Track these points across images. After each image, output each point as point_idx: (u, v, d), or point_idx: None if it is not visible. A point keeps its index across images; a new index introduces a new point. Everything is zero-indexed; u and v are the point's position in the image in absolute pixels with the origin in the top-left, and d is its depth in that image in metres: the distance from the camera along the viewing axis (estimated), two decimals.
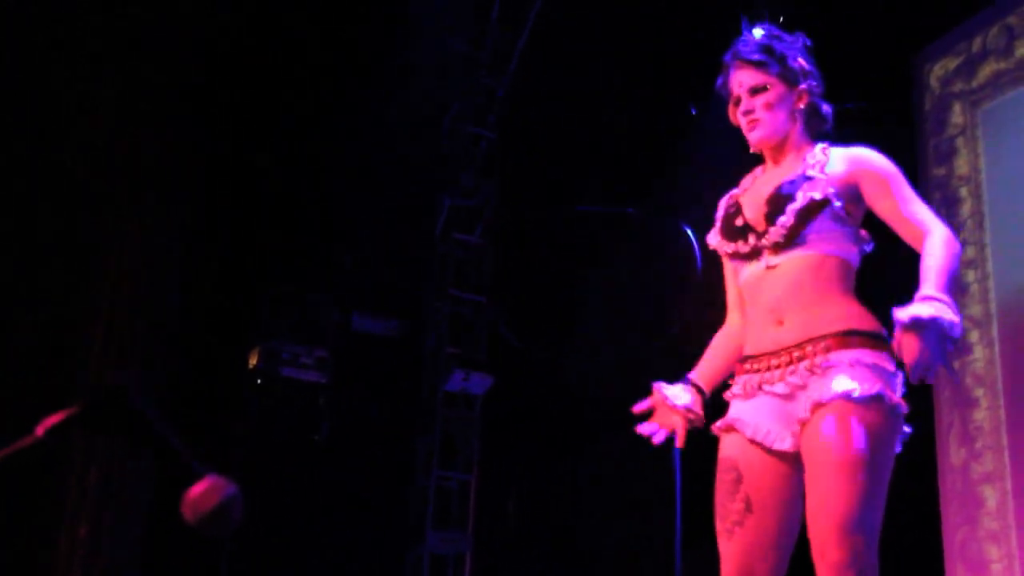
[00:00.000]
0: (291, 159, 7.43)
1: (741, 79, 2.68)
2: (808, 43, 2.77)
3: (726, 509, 2.47)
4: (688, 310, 6.44)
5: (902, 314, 2.24)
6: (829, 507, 2.27)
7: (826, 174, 2.54)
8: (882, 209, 2.54)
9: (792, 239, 2.50)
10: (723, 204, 2.79)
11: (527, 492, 7.84)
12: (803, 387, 2.42)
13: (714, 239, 2.70)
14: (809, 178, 2.54)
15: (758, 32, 2.72)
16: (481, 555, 7.38)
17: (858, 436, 2.30)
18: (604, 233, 7.39)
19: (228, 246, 7.18)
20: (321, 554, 7.15)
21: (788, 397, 2.45)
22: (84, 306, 6.54)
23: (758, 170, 2.78)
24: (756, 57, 2.65)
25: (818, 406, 2.37)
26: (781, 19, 2.86)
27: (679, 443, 2.61)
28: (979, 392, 5.57)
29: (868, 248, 2.63)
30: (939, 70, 6.16)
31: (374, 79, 7.42)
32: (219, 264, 7.13)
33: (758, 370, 2.52)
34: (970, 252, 5.76)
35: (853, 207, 2.57)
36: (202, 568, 6.50)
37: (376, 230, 7.58)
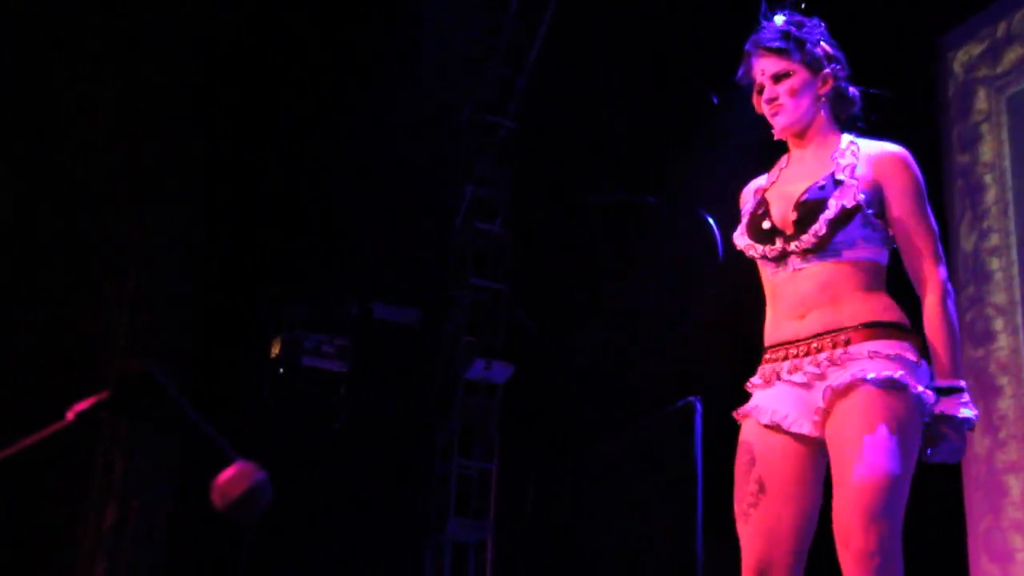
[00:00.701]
0: (311, 148, 7.44)
1: (764, 67, 2.66)
2: (826, 28, 2.77)
3: (742, 492, 2.49)
4: (704, 304, 6.41)
5: (938, 410, 2.39)
6: (853, 494, 2.27)
7: (856, 178, 2.51)
8: (895, 222, 2.54)
9: (823, 247, 2.50)
10: (749, 198, 2.76)
11: (547, 479, 7.85)
12: (822, 376, 2.43)
13: (741, 240, 2.67)
14: (839, 183, 2.51)
15: (779, 19, 2.70)
16: (502, 542, 7.40)
17: (879, 420, 2.31)
18: (625, 222, 7.38)
19: (247, 237, 7.20)
20: (342, 541, 7.18)
21: (806, 386, 2.46)
22: (102, 302, 6.58)
23: (783, 160, 2.75)
24: (778, 44, 2.64)
25: (836, 393, 2.38)
26: (802, 5, 2.81)
27: None
28: (1003, 380, 5.53)
29: (896, 246, 2.63)
30: (963, 56, 6.10)
31: (398, 68, 7.42)
32: (239, 255, 7.15)
33: (777, 359, 2.53)
34: (995, 239, 5.71)
35: (882, 208, 2.57)
36: (225, 554, 6.54)
37: (397, 219, 7.59)
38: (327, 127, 7.45)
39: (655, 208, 6.40)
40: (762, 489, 2.44)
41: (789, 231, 2.53)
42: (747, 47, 2.71)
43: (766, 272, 2.64)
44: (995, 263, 5.70)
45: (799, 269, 2.53)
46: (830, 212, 2.47)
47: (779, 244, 2.55)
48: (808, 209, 2.51)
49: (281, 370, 7.25)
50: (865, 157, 2.56)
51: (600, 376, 7.52)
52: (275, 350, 7.26)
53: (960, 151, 6.02)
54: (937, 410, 2.38)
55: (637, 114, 7.24)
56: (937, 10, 6.13)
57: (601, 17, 7.30)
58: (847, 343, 2.42)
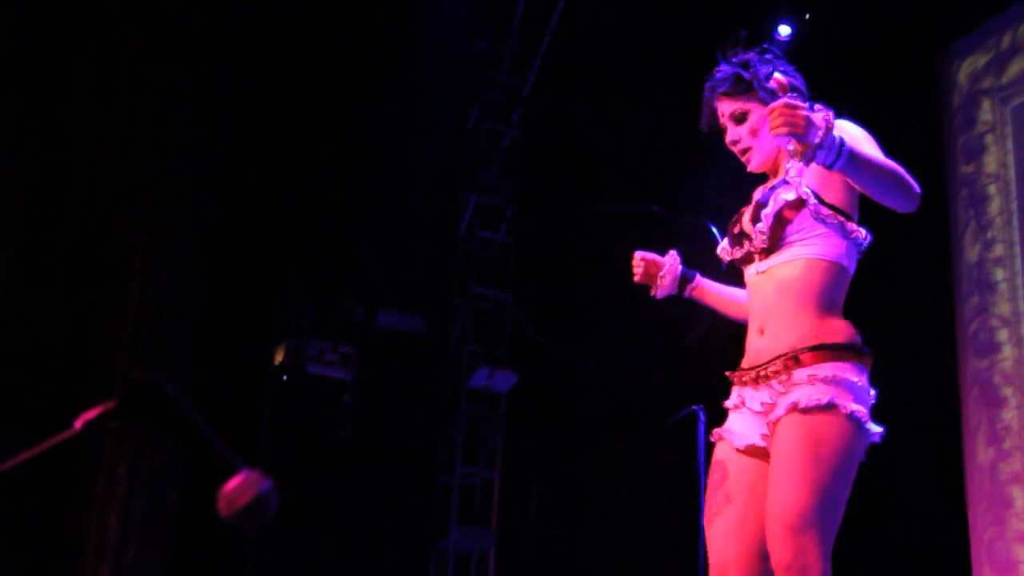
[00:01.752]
0: (316, 158, 7.46)
1: (723, 110, 2.78)
2: (778, 57, 2.82)
3: (711, 503, 2.67)
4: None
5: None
6: (774, 510, 2.42)
7: (801, 175, 2.61)
8: None
9: (774, 242, 2.62)
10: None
11: (550, 489, 7.85)
12: (773, 405, 2.57)
13: (720, 246, 2.84)
14: (785, 182, 2.63)
15: (730, 62, 2.79)
16: (504, 551, 7.40)
17: (804, 443, 2.44)
18: (628, 231, 7.38)
19: (252, 245, 7.21)
20: (346, 550, 7.18)
21: (763, 414, 2.62)
22: (107, 308, 6.59)
23: (766, 183, 2.85)
24: (729, 88, 2.75)
25: (774, 425, 2.53)
26: (762, 44, 2.85)
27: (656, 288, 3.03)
28: (1007, 391, 5.52)
29: (864, 241, 2.67)
30: (968, 66, 6.10)
31: (398, 78, 7.44)
32: (243, 262, 7.16)
33: (743, 383, 2.69)
34: (998, 250, 5.71)
35: (840, 194, 2.62)
36: (227, 561, 6.54)
37: (400, 227, 7.60)
38: (333, 136, 7.47)
39: (660, 217, 6.40)
40: (728, 500, 2.63)
41: (751, 234, 2.68)
42: (706, 94, 2.81)
43: (746, 279, 2.77)
44: (999, 273, 5.70)
45: (762, 271, 2.66)
46: (772, 208, 2.61)
47: (746, 246, 2.70)
48: (758, 209, 2.66)
49: (285, 377, 7.26)
50: None
51: (603, 385, 7.53)
52: (279, 357, 7.27)
53: (964, 161, 6.02)
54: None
55: (642, 122, 7.25)
56: (942, 21, 6.14)
57: (605, 25, 7.31)
58: (794, 367, 2.54)
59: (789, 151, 2.34)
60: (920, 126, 6.21)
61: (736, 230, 2.74)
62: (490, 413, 7.58)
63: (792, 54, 6.71)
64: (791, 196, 2.59)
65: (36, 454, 1.37)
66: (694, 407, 5.38)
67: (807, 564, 2.34)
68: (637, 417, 6.94)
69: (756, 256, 2.67)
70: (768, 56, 2.80)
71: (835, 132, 2.33)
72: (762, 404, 2.60)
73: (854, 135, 2.54)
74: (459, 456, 7.44)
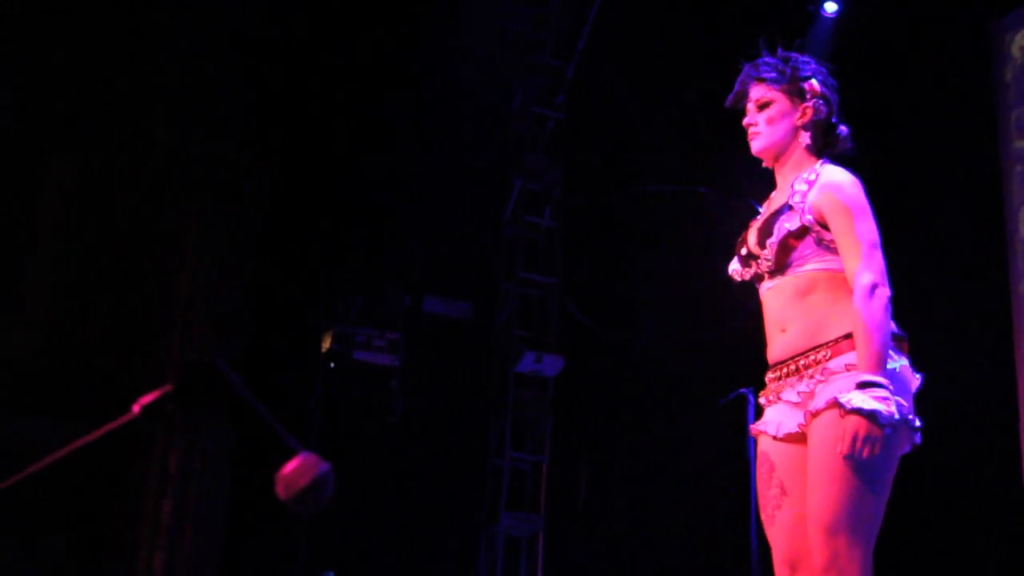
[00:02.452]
0: (362, 145, 7.47)
1: (752, 94, 2.88)
2: (824, 71, 2.91)
3: (766, 498, 2.70)
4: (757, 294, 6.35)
5: (844, 399, 2.44)
6: (812, 512, 2.47)
7: (804, 202, 2.70)
8: (835, 238, 2.68)
9: (780, 266, 2.72)
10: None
11: (599, 473, 7.83)
12: (811, 395, 2.62)
13: (731, 266, 2.91)
14: (790, 207, 2.72)
15: (773, 53, 2.91)
16: (554, 536, 7.39)
17: (832, 448, 2.46)
18: (675, 213, 7.34)
19: (300, 233, 7.25)
20: (396, 536, 7.22)
21: (800, 405, 2.66)
22: (158, 299, 6.66)
23: (773, 193, 2.94)
24: (765, 74, 2.86)
25: (813, 415, 2.57)
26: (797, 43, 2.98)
27: None
28: None
29: None
30: (1020, 39, 5.98)
31: (442, 64, 7.43)
32: (291, 251, 7.20)
33: (777, 378, 2.75)
34: None
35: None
36: (280, 547, 6.60)
37: (446, 214, 7.60)
38: (378, 124, 7.48)
39: (706, 197, 6.35)
40: (783, 492, 2.65)
41: (758, 254, 2.78)
42: (742, 75, 2.91)
43: (760, 291, 2.86)
44: None
45: (772, 287, 2.76)
46: (776, 236, 2.71)
47: (753, 267, 2.81)
48: (763, 235, 2.76)
49: (333, 365, 7.29)
50: (818, 184, 2.74)
51: (652, 368, 7.49)
52: (326, 344, 7.30)
53: (1018, 136, 5.92)
54: (849, 404, 2.43)
55: (686, 103, 7.19)
56: None
57: (647, 5, 7.25)
58: (827, 358, 2.60)
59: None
60: (973, 100, 6.10)
61: (744, 251, 2.84)
62: (538, 398, 7.57)
63: (840, 29, 6.63)
64: (794, 225, 2.69)
65: (95, 439, 1.38)
66: (743, 389, 5.34)
67: (843, 566, 2.38)
68: (686, 399, 6.91)
69: (765, 276, 2.78)
70: (812, 63, 2.90)
71: (871, 385, 2.44)
72: (799, 394, 2.65)
73: (845, 204, 2.66)
74: (508, 441, 7.44)
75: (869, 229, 2.65)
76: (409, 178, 7.57)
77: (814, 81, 2.84)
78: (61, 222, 6.79)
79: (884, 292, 2.56)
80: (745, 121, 2.88)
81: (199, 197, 6.67)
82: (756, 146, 2.86)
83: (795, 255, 2.69)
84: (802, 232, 2.69)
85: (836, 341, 2.59)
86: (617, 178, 7.78)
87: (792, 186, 2.77)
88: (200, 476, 6.15)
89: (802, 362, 2.64)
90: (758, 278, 2.81)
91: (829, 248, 2.68)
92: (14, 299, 6.67)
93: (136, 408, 1.39)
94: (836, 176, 2.74)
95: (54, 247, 6.78)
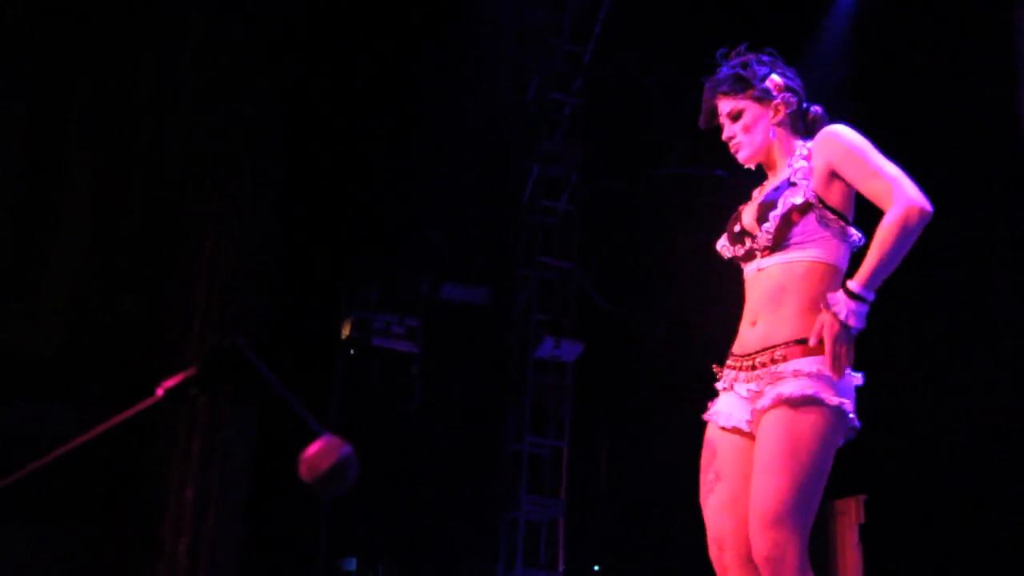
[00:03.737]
0: (381, 133, 7.48)
1: (721, 108, 2.93)
2: (777, 60, 2.97)
3: (703, 481, 2.82)
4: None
5: (830, 299, 2.56)
6: (753, 503, 2.58)
7: (808, 178, 2.74)
8: (853, 182, 2.71)
9: (778, 242, 2.73)
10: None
11: (619, 457, 7.84)
12: (759, 394, 2.69)
13: (720, 243, 2.95)
14: (792, 184, 2.75)
15: (729, 63, 2.94)
16: (574, 520, 7.41)
17: (784, 439, 2.57)
18: (693, 196, 7.31)
19: (318, 221, 7.26)
20: (417, 522, 7.25)
21: (749, 399, 2.74)
22: (179, 286, 6.70)
23: (765, 182, 2.98)
24: (727, 87, 2.90)
25: (760, 413, 2.66)
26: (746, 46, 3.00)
27: None
28: None
29: (859, 242, 2.77)
30: None
31: (460, 50, 7.42)
32: (311, 238, 7.22)
33: (733, 367, 2.82)
34: None
35: (841, 198, 2.74)
36: (302, 532, 6.64)
37: (463, 199, 7.60)
38: (396, 112, 7.48)
39: (723, 180, 6.32)
40: (718, 477, 2.77)
41: (754, 232, 2.79)
42: (705, 94, 2.96)
43: (745, 274, 2.89)
44: None
45: (762, 268, 2.78)
46: (780, 209, 2.72)
47: (748, 243, 2.81)
48: (764, 209, 2.77)
49: (352, 351, 7.32)
50: (812, 152, 2.78)
51: (671, 352, 7.48)
52: (346, 331, 7.32)
53: None
54: (831, 303, 2.55)
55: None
56: None
57: None
58: (780, 359, 2.67)
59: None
60: (998, 81, 6.05)
61: (736, 228, 2.86)
62: (557, 383, 7.58)
63: (863, 11, 6.59)
64: (799, 200, 2.71)
65: (120, 422, 1.39)
66: None
67: (783, 554, 2.51)
68: (706, 383, 6.89)
69: (758, 253, 2.79)
70: (766, 59, 2.93)
71: (856, 295, 2.54)
72: (748, 391, 2.73)
73: (852, 145, 2.69)
74: (526, 426, 7.46)
75: (884, 160, 2.68)
76: (427, 165, 7.57)
77: (775, 76, 2.89)
78: (82, 212, 6.83)
79: (927, 210, 2.58)
80: (724, 136, 2.93)
81: (219, 186, 6.69)
82: (742, 156, 2.91)
83: (795, 231, 2.71)
84: (806, 208, 2.71)
85: (789, 344, 2.66)
86: (635, 162, 7.76)
87: (789, 164, 2.81)
88: (222, 462, 6.18)
89: (758, 359, 2.72)
90: (748, 256, 2.82)
91: (829, 227, 2.71)
92: (35, 287, 6.72)
93: (160, 391, 1.40)
94: (830, 129, 2.78)
95: (75, 237, 6.82)
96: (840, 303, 2.53)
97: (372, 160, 7.50)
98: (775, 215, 2.71)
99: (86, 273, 6.69)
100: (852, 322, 2.53)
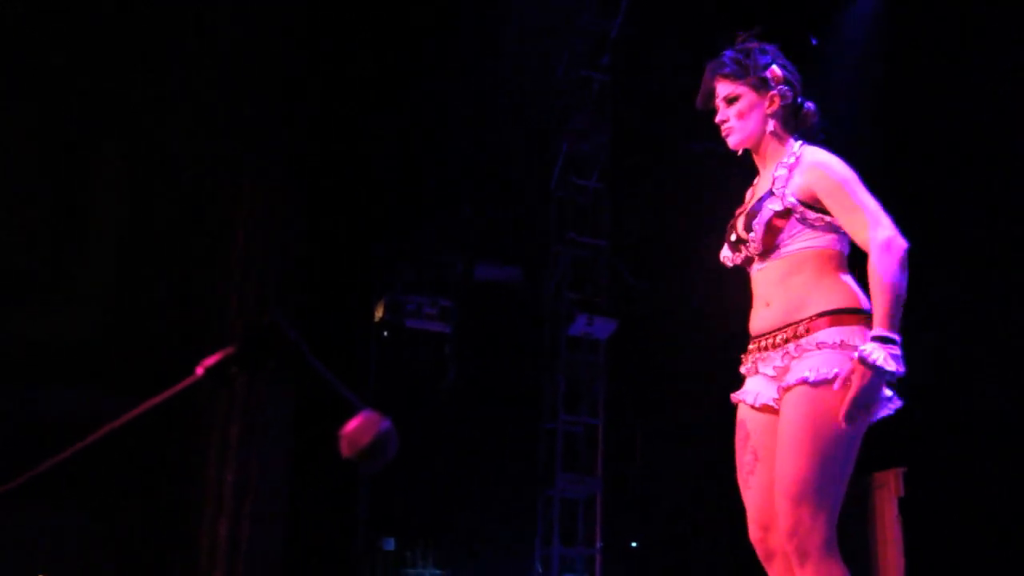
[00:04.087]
0: (410, 112, 7.47)
1: (719, 91, 2.97)
2: (778, 53, 3.00)
3: (741, 462, 2.84)
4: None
5: (863, 352, 2.52)
6: (779, 481, 2.61)
7: (786, 187, 2.79)
8: (834, 215, 2.75)
9: (768, 248, 2.80)
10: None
11: (653, 433, 7.83)
12: (785, 370, 2.72)
13: (722, 253, 3.00)
14: (772, 193, 2.81)
15: (732, 49, 2.98)
16: (610, 497, 7.41)
17: (807, 417, 2.60)
18: (724, 171, 7.25)
19: (349, 204, 7.27)
20: (455, 499, 7.28)
21: (776, 378, 2.76)
22: (213, 272, 6.74)
23: (756, 179, 3.03)
24: (728, 70, 2.95)
25: (784, 391, 2.68)
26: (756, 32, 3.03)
27: None
28: None
29: None
30: None
31: (488, 29, 7.39)
32: (341, 221, 7.23)
33: (756, 349, 2.85)
34: None
35: (822, 204, 2.78)
36: (341, 511, 6.68)
37: (494, 179, 7.58)
38: (426, 93, 7.46)
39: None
40: (756, 458, 2.78)
41: (745, 239, 2.86)
42: (705, 74, 2.99)
43: (751, 275, 2.94)
44: None
45: (762, 269, 2.84)
46: (760, 219, 2.80)
47: (743, 251, 2.88)
48: (749, 219, 2.85)
49: (386, 333, 7.34)
50: (801, 167, 2.82)
51: (704, 327, 7.44)
52: (379, 314, 7.34)
53: None
54: (865, 354, 2.51)
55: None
56: None
57: None
58: (804, 333, 2.69)
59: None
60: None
61: (733, 237, 2.92)
62: (591, 360, 7.57)
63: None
64: (777, 207, 2.78)
65: (161, 401, 1.39)
66: None
67: (808, 532, 2.54)
68: (739, 359, 6.86)
69: (755, 258, 2.86)
70: (769, 49, 2.97)
71: (884, 342, 2.52)
72: (774, 368, 2.76)
73: (838, 179, 2.73)
74: (560, 404, 7.46)
75: (868, 196, 2.72)
76: (456, 145, 7.56)
77: (775, 67, 2.92)
78: (116, 201, 6.88)
79: (900, 245, 2.62)
80: (717, 119, 2.97)
81: (250, 172, 6.72)
82: (732, 141, 2.95)
83: (782, 236, 2.78)
84: (786, 213, 2.77)
85: (811, 318, 2.68)
86: (664, 138, 7.71)
87: (773, 172, 2.86)
88: (260, 445, 6.23)
89: (779, 337, 2.75)
90: (748, 261, 2.89)
91: (814, 226, 2.76)
92: (71, 276, 6.78)
93: (200, 370, 1.41)
94: (820, 157, 2.82)
95: (110, 226, 6.87)
96: (872, 352, 2.50)
97: (403, 141, 7.50)
98: (758, 223, 2.79)
99: (121, 261, 6.75)
100: (891, 367, 2.50)
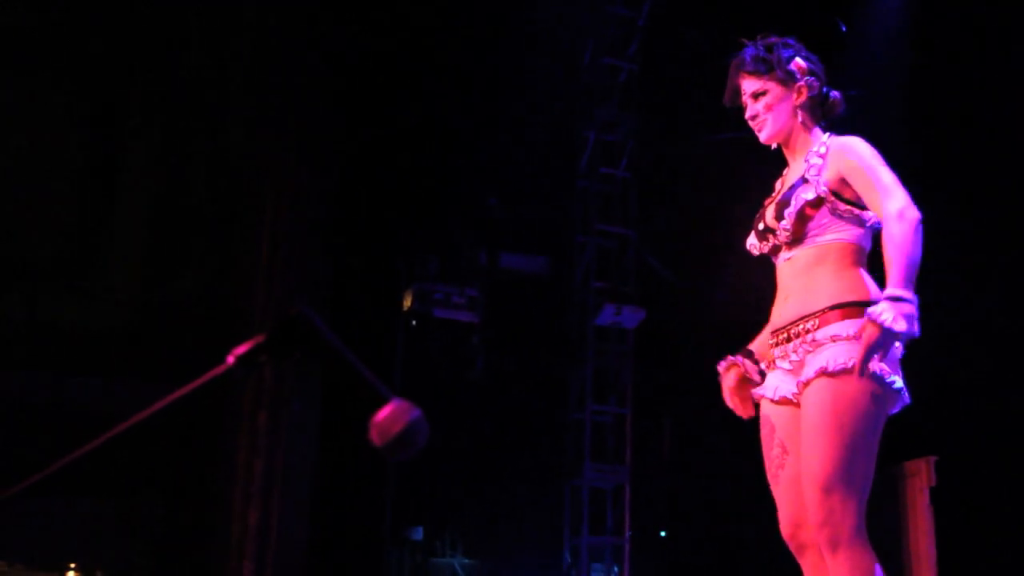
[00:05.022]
0: (436, 103, 7.46)
1: (745, 87, 3.01)
2: (800, 46, 3.03)
3: (769, 459, 2.88)
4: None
5: (872, 311, 2.54)
6: (808, 472, 2.64)
7: (820, 175, 2.84)
8: (858, 192, 2.80)
9: (797, 236, 2.84)
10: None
11: (682, 423, 7.81)
12: (801, 363, 2.76)
13: (748, 241, 3.04)
14: (805, 181, 2.85)
15: (755, 45, 3.01)
16: (639, 486, 7.40)
17: (829, 409, 2.63)
18: (752, 160, 7.21)
19: (377, 194, 7.29)
20: (482, 489, 7.29)
21: (793, 372, 2.81)
22: (241, 264, 6.77)
23: (785, 171, 3.06)
24: (752, 66, 2.98)
25: (803, 385, 2.72)
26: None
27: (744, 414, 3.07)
28: None
29: (877, 224, 2.80)
30: None
31: (514, 19, 7.37)
32: (368, 212, 7.25)
33: (774, 344, 2.90)
34: None
35: (853, 191, 2.82)
36: (368, 501, 6.70)
37: (521, 169, 7.57)
38: (453, 83, 7.46)
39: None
40: (785, 451, 2.82)
41: (775, 228, 2.89)
42: (730, 72, 3.03)
43: (777, 266, 2.98)
44: None
45: (788, 259, 2.88)
46: (794, 207, 2.83)
47: (771, 239, 2.92)
48: (781, 208, 2.88)
49: (414, 323, 7.35)
50: (828, 152, 2.87)
51: (732, 316, 7.41)
52: (407, 303, 7.36)
53: None
54: (875, 315, 2.52)
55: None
56: None
57: None
58: (817, 327, 2.73)
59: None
60: None
61: (760, 226, 2.95)
62: (619, 350, 7.56)
63: None
64: (811, 195, 2.81)
65: (193, 390, 1.40)
66: None
67: (839, 520, 2.57)
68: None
69: (783, 247, 2.89)
70: (791, 42, 3.00)
71: (897, 300, 2.53)
72: (791, 362, 2.80)
73: (862, 159, 2.78)
74: (589, 394, 7.45)
75: (886, 172, 2.75)
76: (483, 135, 7.55)
77: (799, 59, 2.96)
78: (144, 191, 6.92)
79: (913, 213, 2.65)
80: (747, 115, 3.01)
81: (278, 163, 6.74)
82: (764, 135, 2.98)
83: (812, 225, 2.82)
84: (818, 202, 2.81)
85: (824, 311, 2.73)
86: (692, 126, 7.67)
87: (806, 160, 2.89)
88: (288, 435, 6.26)
89: (793, 330, 2.80)
90: (775, 250, 2.93)
91: (843, 217, 2.81)
92: (100, 266, 6.83)
93: (231, 359, 1.41)
94: (845, 141, 2.87)
95: (137, 216, 6.92)
96: (883, 310, 2.51)
97: (430, 132, 7.50)
98: (790, 212, 2.83)
99: (149, 251, 6.79)
100: (902, 327, 2.51)
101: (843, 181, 2.79)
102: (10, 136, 6.65)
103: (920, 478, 5.84)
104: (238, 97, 6.90)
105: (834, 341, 2.66)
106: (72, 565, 5.60)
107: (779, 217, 2.86)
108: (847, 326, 2.66)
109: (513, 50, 7.38)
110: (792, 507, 2.77)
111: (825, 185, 2.80)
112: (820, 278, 2.77)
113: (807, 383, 2.69)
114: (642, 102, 7.84)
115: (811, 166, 2.85)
